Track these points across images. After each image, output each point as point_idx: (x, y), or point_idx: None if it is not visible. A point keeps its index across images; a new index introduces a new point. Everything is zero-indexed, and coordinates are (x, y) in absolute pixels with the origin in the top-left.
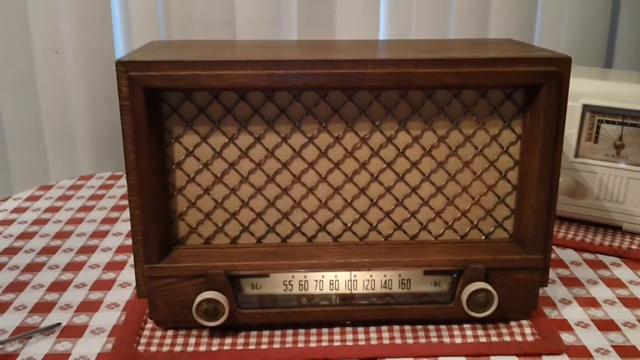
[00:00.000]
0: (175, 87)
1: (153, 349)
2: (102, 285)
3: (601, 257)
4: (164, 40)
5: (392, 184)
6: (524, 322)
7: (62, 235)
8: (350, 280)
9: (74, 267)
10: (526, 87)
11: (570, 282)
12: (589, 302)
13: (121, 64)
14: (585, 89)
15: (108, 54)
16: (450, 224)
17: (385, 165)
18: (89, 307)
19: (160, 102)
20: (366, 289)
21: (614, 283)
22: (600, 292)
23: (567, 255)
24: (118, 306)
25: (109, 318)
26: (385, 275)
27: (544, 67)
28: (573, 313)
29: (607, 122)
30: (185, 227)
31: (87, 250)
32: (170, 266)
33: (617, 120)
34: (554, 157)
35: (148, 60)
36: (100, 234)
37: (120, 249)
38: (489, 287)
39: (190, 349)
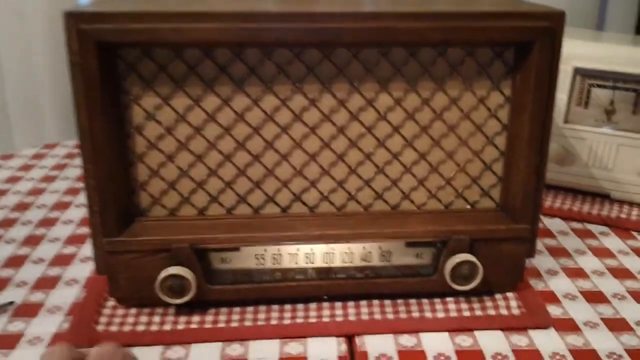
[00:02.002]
0: (131, 42)
1: (114, 328)
2: (62, 260)
3: (589, 226)
4: None
5: (372, 150)
6: (510, 294)
7: (21, 207)
8: (328, 253)
9: (32, 241)
10: (517, 45)
11: (558, 252)
12: (577, 273)
13: (70, 15)
14: (576, 51)
15: None
16: (433, 192)
17: (364, 130)
18: (46, 283)
19: (116, 60)
20: (344, 262)
21: (602, 253)
22: (589, 262)
23: (554, 224)
24: (77, 283)
25: (67, 295)
26: (364, 248)
27: (536, 22)
28: (560, 285)
29: (599, 86)
30: (147, 197)
31: (47, 223)
32: (131, 240)
33: (609, 85)
34: (545, 120)
35: (100, 11)
36: (62, 206)
37: (84, 222)
38: (473, 259)
39: (154, 328)
